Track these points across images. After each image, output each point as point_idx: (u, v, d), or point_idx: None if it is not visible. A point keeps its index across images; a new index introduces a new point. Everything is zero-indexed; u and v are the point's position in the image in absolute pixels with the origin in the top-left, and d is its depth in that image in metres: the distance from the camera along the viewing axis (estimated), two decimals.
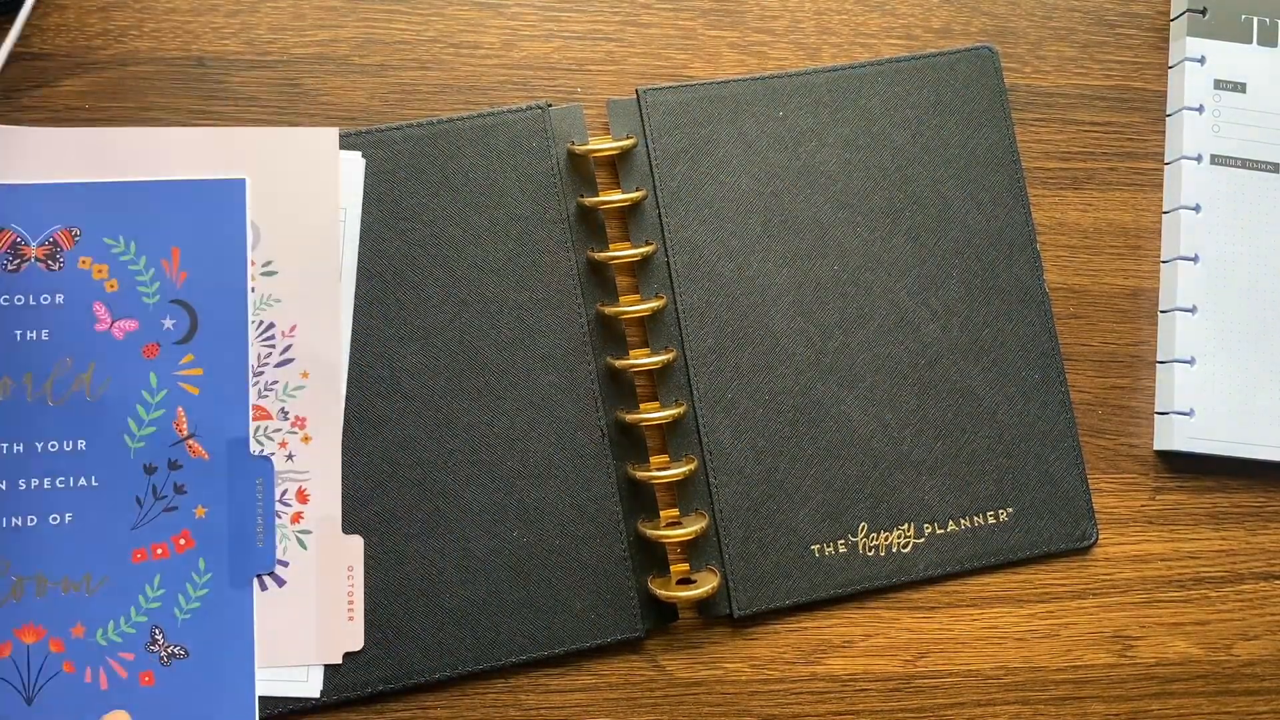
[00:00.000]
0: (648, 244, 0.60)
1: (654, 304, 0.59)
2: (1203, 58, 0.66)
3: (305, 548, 0.54)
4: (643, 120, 0.61)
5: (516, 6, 0.63)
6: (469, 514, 0.57)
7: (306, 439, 0.55)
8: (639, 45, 0.64)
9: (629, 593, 0.58)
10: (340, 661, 0.54)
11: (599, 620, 0.57)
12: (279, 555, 0.54)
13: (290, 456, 0.55)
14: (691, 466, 0.58)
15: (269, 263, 0.56)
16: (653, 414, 0.58)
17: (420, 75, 0.61)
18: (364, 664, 0.55)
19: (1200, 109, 0.66)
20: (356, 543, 0.55)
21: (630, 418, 0.58)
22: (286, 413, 0.55)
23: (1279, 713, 0.62)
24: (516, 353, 0.59)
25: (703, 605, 0.59)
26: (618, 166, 0.61)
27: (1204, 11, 0.67)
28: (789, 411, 0.60)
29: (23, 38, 0.59)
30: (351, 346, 0.58)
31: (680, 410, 0.59)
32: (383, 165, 0.59)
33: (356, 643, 0.54)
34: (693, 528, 0.57)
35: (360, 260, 0.58)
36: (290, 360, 0.55)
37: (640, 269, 0.61)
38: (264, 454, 0.54)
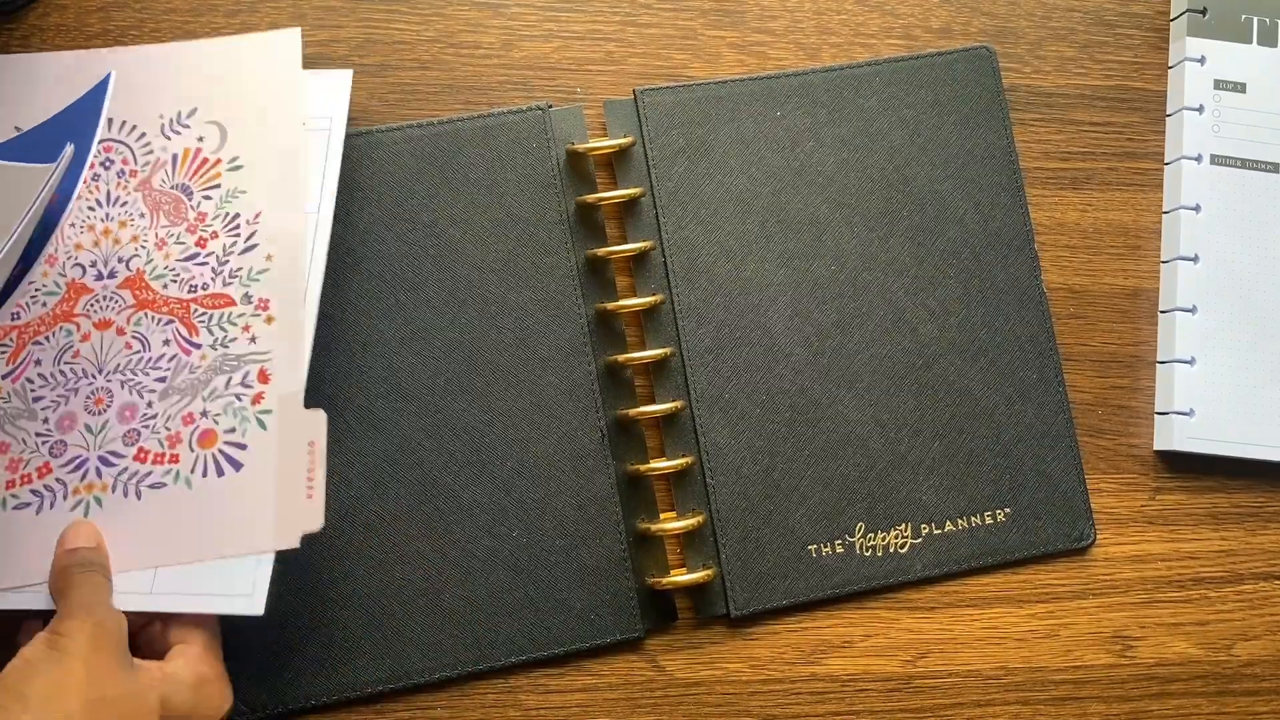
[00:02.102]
0: (646, 241, 0.60)
1: (652, 299, 0.59)
2: (1203, 58, 0.66)
3: (265, 428, 0.52)
4: (640, 120, 0.61)
5: (516, 6, 0.63)
6: (469, 514, 0.57)
7: (270, 319, 0.54)
8: (639, 45, 0.64)
9: (629, 593, 0.58)
10: (297, 545, 0.50)
11: (599, 620, 0.57)
12: (238, 439, 0.52)
13: (253, 339, 0.54)
14: (689, 460, 0.58)
15: (235, 158, 0.56)
16: (650, 408, 0.58)
17: (420, 75, 0.61)
18: (364, 664, 0.56)
19: (1200, 109, 0.66)
20: (319, 417, 0.52)
21: (631, 413, 0.58)
22: (250, 297, 0.54)
23: (1279, 713, 0.62)
24: (516, 353, 0.59)
25: (701, 605, 0.59)
26: (615, 166, 0.61)
27: (1204, 11, 0.66)
28: (786, 411, 0.60)
29: (22, 37, 0.60)
30: (352, 347, 0.58)
31: (678, 405, 0.59)
32: (383, 165, 0.59)
33: (316, 523, 0.50)
34: (690, 520, 0.57)
35: (360, 260, 0.58)
36: (254, 246, 0.55)
37: (638, 268, 0.61)
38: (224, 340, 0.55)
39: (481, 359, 0.58)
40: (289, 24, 0.60)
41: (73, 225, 0.56)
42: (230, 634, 0.52)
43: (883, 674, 0.60)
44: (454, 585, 0.57)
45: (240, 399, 0.53)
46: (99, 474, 0.52)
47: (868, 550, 0.60)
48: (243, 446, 0.52)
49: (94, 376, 0.53)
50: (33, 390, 0.53)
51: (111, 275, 0.55)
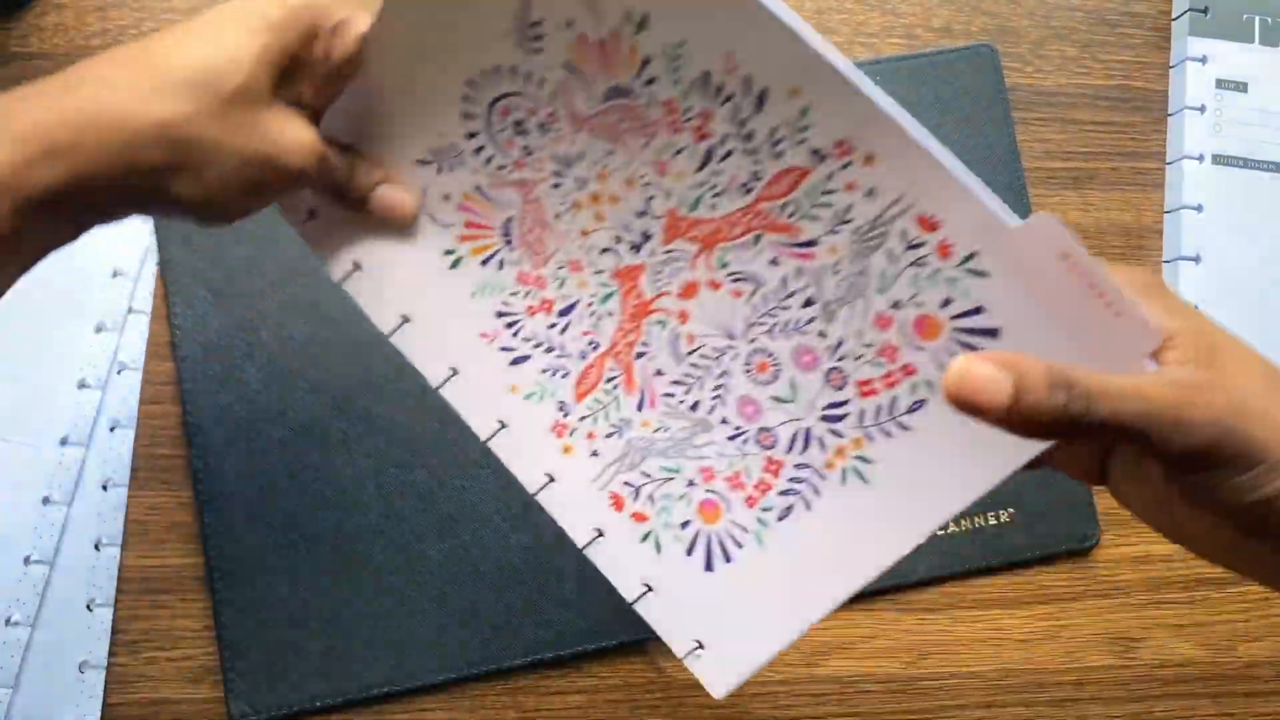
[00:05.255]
0: None
1: None
2: (1204, 57, 0.66)
3: (987, 274, 0.38)
4: None
5: None
6: (474, 515, 0.57)
7: (867, 157, 0.39)
8: None
9: None
10: (1154, 367, 0.35)
11: (602, 622, 0.57)
12: (963, 305, 0.39)
13: (870, 192, 0.39)
14: None
15: (630, 14, 0.39)
16: None
17: None
18: (367, 665, 0.55)
19: (1202, 109, 0.65)
20: (1048, 222, 0.35)
21: None
22: (819, 152, 0.39)
23: None
24: None
25: None
26: None
27: (1206, 11, 0.66)
28: None
29: (21, 37, 0.59)
30: (357, 347, 0.58)
31: None
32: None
33: (1152, 338, 0.35)
34: None
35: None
36: (764, 91, 0.39)
37: None
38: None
39: None
40: None
41: (556, 217, 0.45)
42: (232, 635, 0.51)
43: (884, 675, 0.59)
44: (458, 587, 0.56)
45: (925, 263, 0.39)
46: (837, 435, 0.42)
47: None
48: (977, 311, 0.38)
49: (732, 348, 0.43)
50: (680, 402, 0.45)
51: (646, 237, 0.43)
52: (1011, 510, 0.61)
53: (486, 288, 0.46)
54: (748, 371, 0.43)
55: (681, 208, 0.42)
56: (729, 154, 0.41)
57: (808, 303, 0.42)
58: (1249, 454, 0.33)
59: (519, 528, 0.57)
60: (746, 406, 0.44)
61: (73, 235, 0.39)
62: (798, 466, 0.43)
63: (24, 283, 0.39)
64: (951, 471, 0.40)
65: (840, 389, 0.42)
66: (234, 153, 0.38)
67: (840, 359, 0.42)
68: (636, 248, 0.44)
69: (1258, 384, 0.34)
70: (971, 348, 0.39)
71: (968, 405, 0.33)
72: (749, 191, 0.41)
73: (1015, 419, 0.32)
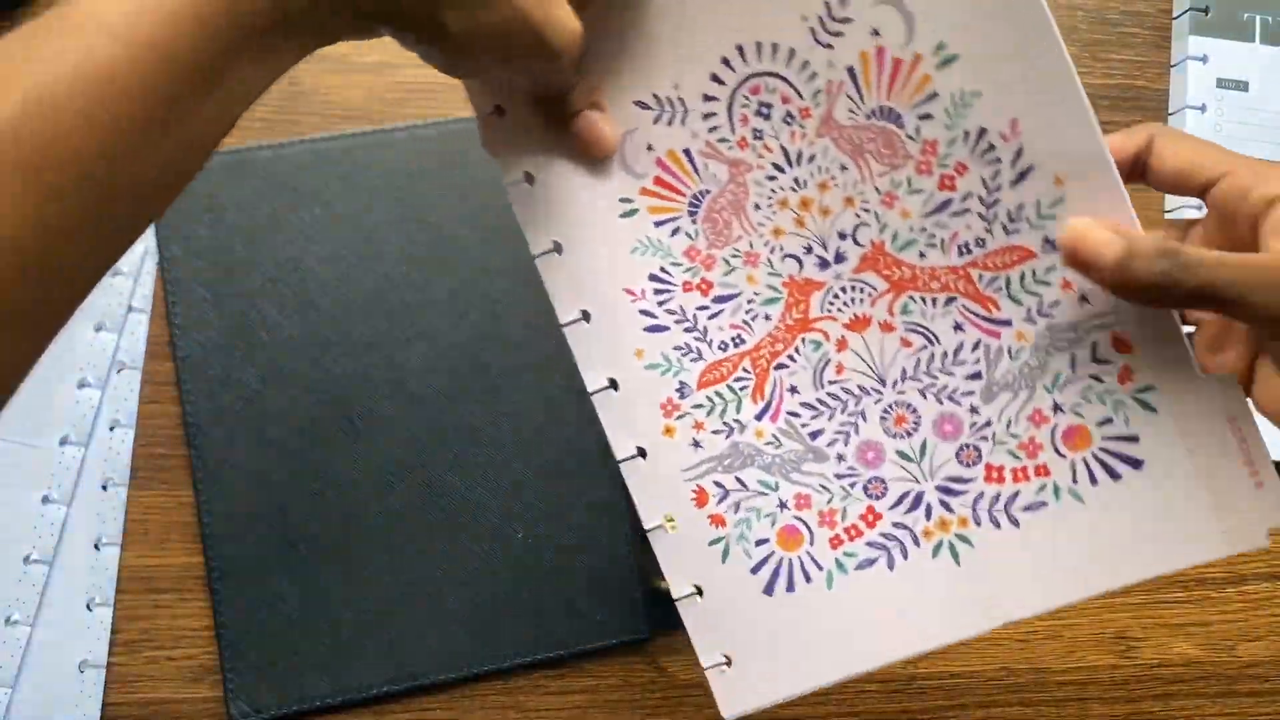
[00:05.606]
0: None
1: None
2: (1205, 56, 0.66)
3: (1154, 410, 0.40)
4: None
5: None
6: (474, 516, 0.57)
7: None
8: None
9: (634, 594, 0.57)
10: (1266, 545, 0.41)
11: (604, 622, 0.57)
12: (1121, 430, 0.41)
13: (1083, 297, 0.40)
14: None
15: (940, 46, 0.39)
16: None
17: (420, 74, 0.61)
18: (368, 665, 0.55)
19: (1203, 108, 0.65)
20: (1229, 383, 0.40)
21: None
22: (1053, 241, 0.40)
23: None
24: (521, 354, 0.58)
25: None
26: None
27: (1206, 10, 0.66)
28: None
29: None
30: (357, 348, 0.58)
31: None
32: (389, 165, 0.59)
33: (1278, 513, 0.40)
34: None
35: (366, 260, 0.58)
36: (1028, 169, 0.40)
37: None
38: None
39: (487, 360, 0.58)
40: None
41: (757, 207, 0.43)
42: (232, 635, 0.51)
43: (884, 675, 0.59)
44: (459, 587, 0.56)
45: (1102, 379, 0.41)
46: (947, 508, 0.43)
47: None
48: (1132, 439, 0.41)
49: (878, 392, 0.43)
50: (803, 425, 0.44)
51: (840, 258, 0.42)
52: None
53: (650, 249, 0.44)
54: (883, 420, 0.43)
55: (891, 244, 0.42)
56: (964, 212, 0.41)
57: (974, 376, 0.42)
58: None
59: (519, 527, 0.57)
60: (868, 451, 0.43)
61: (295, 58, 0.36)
62: (896, 525, 0.43)
63: None
64: (1038, 577, 0.42)
65: (969, 467, 0.42)
66: (513, 7, 0.36)
67: (981, 439, 0.42)
68: (824, 265, 0.43)
69: None
70: (1110, 469, 0.41)
71: (1082, 260, 0.36)
72: (965, 254, 0.41)
73: (1120, 278, 0.36)
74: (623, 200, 0.43)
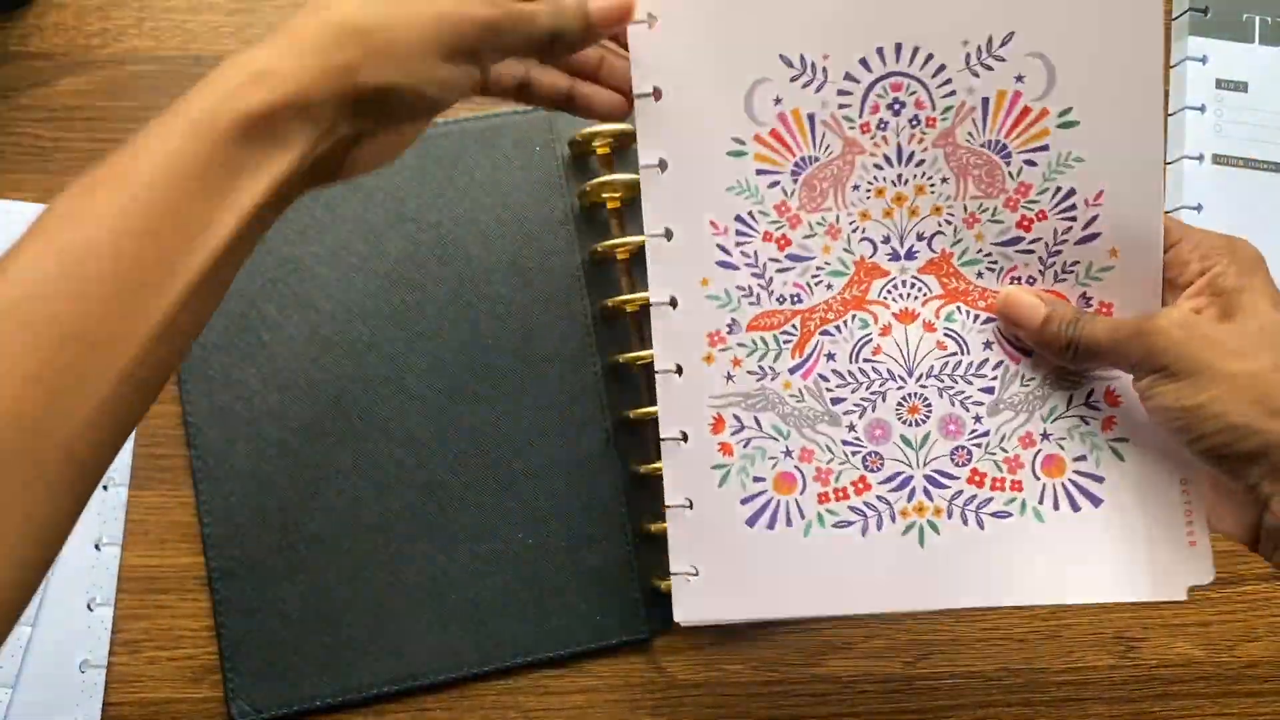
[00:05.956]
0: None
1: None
2: (1204, 57, 0.66)
3: (1122, 459, 0.46)
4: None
5: None
6: (474, 516, 0.57)
7: None
8: None
9: (634, 594, 0.57)
10: (1184, 598, 0.45)
11: (604, 622, 0.57)
12: (1090, 469, 0.46)
13: None
14: None
15: (1067, 111, 0.44)
16: (656, 409, 0.58)
17: None
18: (368, 665, 0.55)
19: (1202, 108, 0.65)
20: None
21: (637, 414, 0.58)
22: (1089, 299, 0.45)
23: None
24: (521, 354, 0.58)
25: None
26: (614, 162, 0.61)
27: (1206, 11, 0.66)
28: None
29: (21, 36, 0.59)
30: (357, 348, 0.58)
31: None
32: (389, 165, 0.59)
33: (1205, 575, 0.45)
34: None
35: (365, 261, 0.58)
36: (1093, 235, 0.45)
37: (641, 268, 0.60)
38: None
39: (487, 360, 0.58)
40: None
41: (855, 188, 0.46)
42: (232, 635, 0.51)
43: (883, 675, 0.59)
44: (459, 587, 0.56)
45: (1087, 422, 0.46)
46: (928, 495, 0.47)
47: None
48: (1098, 479, 0.46)
49: (903, 380, 0.47)
50: (829, 390, 0.47)
51: (911, 256, 0.46)
52: None
53: (745, 191, 0.46)
54: (899, 406, 0.47)
55: (958, 258, 0.46)
56: (1029, 252, 0.46)
57: (987, 390, 0.47)
58: (1174, 366, 0.41)
59: (519, 527, 0.57)
60: (877, 429, 0.47)
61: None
62: (879, 499, 0.47)
63: None
64: (991, 575, 0.46)
65: (959, 466, 0.47)
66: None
67: (976, 445, 0.47)
68: (895, 257, 0.46)
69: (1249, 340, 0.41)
70: (1072, 500, 0.46)
71: (1012, 319, 0.45)
72: (1017, 284, 0.46)
73: (1039, 337, 0.44)
74: (735, 140, 0.46)
